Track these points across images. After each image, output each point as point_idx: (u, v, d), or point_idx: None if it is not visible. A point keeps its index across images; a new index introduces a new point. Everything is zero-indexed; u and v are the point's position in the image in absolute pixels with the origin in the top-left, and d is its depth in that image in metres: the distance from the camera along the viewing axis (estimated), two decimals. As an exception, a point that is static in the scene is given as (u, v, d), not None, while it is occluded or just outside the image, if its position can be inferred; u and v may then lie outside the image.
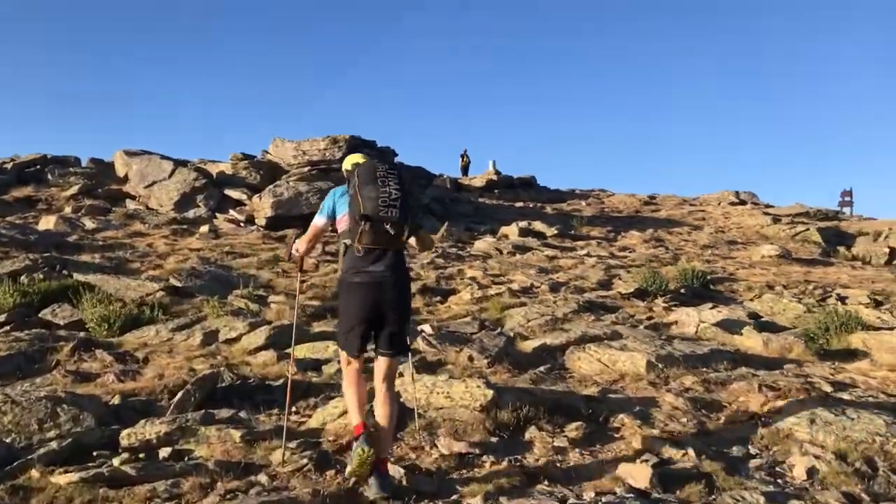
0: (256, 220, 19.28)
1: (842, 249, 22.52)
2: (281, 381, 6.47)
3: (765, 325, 9.46)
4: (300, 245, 4.63)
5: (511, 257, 16.51)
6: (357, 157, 4.54)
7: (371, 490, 4.03)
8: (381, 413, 4.20)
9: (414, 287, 11.28)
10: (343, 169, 4.62)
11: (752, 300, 12.59)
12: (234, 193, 20.81)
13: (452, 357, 7.07)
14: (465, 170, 35.19)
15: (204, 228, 17.29)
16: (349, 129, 21.71)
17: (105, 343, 7.94)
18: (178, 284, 10.88)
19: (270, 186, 19.63)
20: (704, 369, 6.52)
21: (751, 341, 7.91)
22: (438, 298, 11.00)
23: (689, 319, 9.22)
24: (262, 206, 19.08)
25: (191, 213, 19.77)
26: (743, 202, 33.33)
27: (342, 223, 4.33)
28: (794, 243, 22.53)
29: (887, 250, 21.65)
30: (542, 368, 6.71)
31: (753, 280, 14.52)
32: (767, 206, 30.01)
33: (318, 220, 4.46)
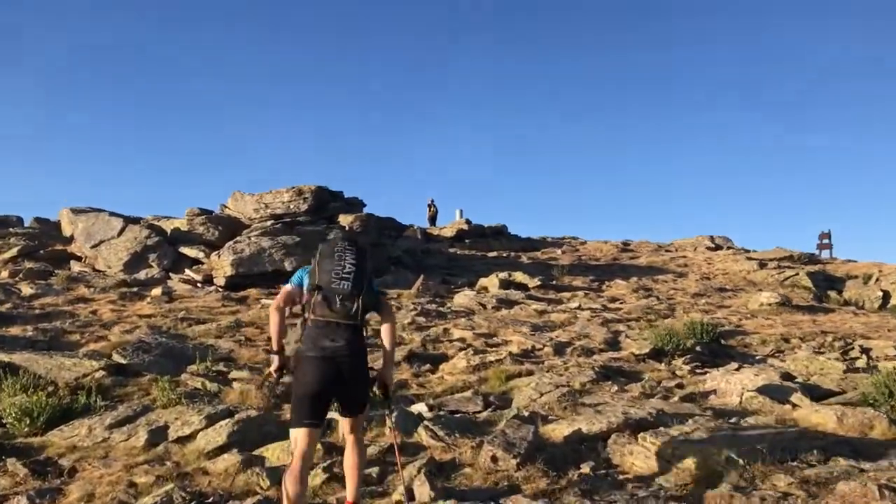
0: (215, 280, 17.64)
1: (833, 294, 21.64)
2: (250, 501, 4.92)
3: (810, 390, 8.16)
4: (271, 331, 4.54)
5: (497, 312, 15.12)
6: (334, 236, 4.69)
7: None
8: (350, 460, 4.39)
9: (399, 353, 9.85)
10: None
11: (772, 356, 11.40)
12: (190, 251, 19.17)
13: (468, 455, 5.60)
14: (432, 219, 33.94)
15: (156, 291, 15.61)
16: (315, 180, 20.36)
17: (22, 447, 6.29)
18: (123, 361, 9.26)
19: (230, 243, 18.06)
20: (795, 463, 5.13)
21: (819, 416, 6.57)
22: (428, 367, 9.53)
23: (730, 387, 7.88)
24: (222, 264, 17.47)
25: (142, 275, 18.06)
26: (719, 247, 32.60)
27: (304, 296, 4.40)
28: (783, 289, 21.57)
29: (881, 294, 20.82)
30: (586, 469, 5.26)
31: (765, 332, 13.33)
32: (747, 251, 29.21)
33: (287, 286, 4.50)
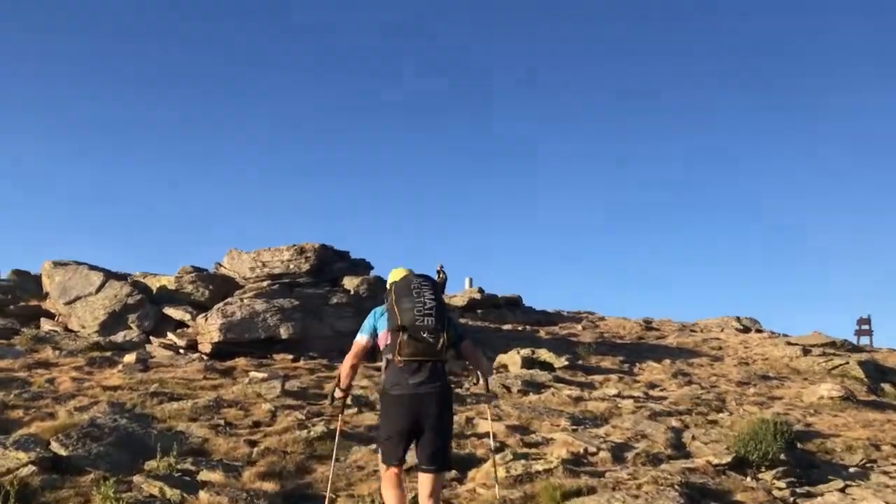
0: (200, 347, 15.59)
1: (887, 387, 19.44)
2: None
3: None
4: (342, 372, 4.70)
5: (524, 398, 12.99)
6: (398, 272, 4.59)
7: None
8: None
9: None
10: (388, 285, 4.52)
11: (864, 466, 9.29)
12: (175, 313, 17.13)
13: None
14: (441, 287, 31.94)
15: (129, 357, 13.53)
16: (319, 239, 18.48)
17: None
18: (62, 452, 7.17)
19: (219, 305, 16.05)
20: None
21: None
22: (454, 474, 7.41)
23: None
24: (208, 328, 15.43)
25: (119, 337, 16.02)
26: (747, 329, 30.54)
27: (383, 339, 4.40)
28: (831, 379, 19.39)
29: (942, 388, 18.63)
30: None
31: (846, 435, 11.19)
32: (781, 335, 27.09)
33: (360, 339, 4.53)
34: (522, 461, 7.48)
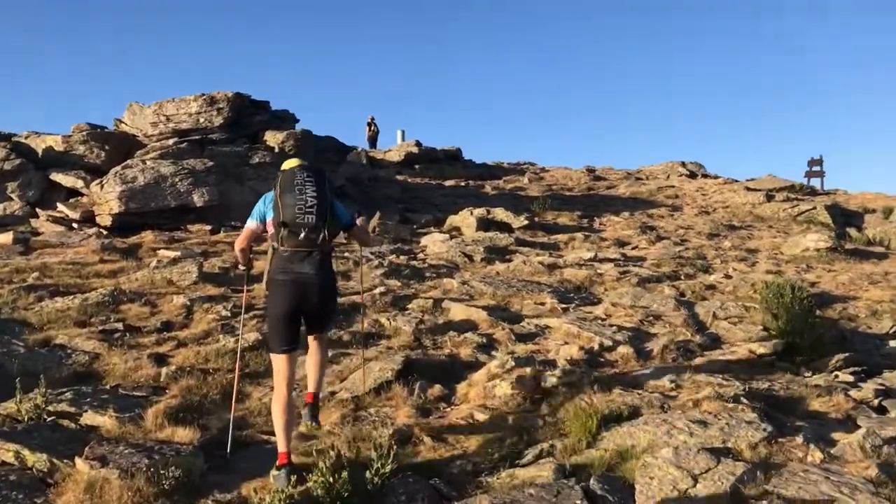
0: (98, 220, 13.04)
1: (853, 232, 18.50)
2: None
3: None
4: (237, 255, 4.79)
5: (490, 266, 11.17)
6: (292, 162, 4.55)
7: (303, 420, 4.52)
8: (312, 360, 4.63)
9: (388, 364, 5.81)
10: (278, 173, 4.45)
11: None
12: (65, 179, 14.34)
13: None
14: (373, 140, 29.35)
15: (6, 237, 10.99)
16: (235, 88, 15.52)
17: None
18: None
19: (117, 168, 13.36)
20: None
21: None
22: (439, 391, 5.53)
23: None
24: (105, 197, 12.84)
25: (-5, 211, 13.28)
26: (693, 174, 29.27)
27: (270, 227, 4.43)
28: (796, 225, 18.33)
29: (911, 231, 17.74)
30: None
31: (866, 296, 9.83)
32: (737, 180, 25.88)
33: (251, 223, 4.57)
34: (528, 368, 5.61)
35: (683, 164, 31.03)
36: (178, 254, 10.55)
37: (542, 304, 8.51)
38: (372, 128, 29.53)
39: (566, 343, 6.59)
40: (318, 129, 17.59)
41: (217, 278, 9.24)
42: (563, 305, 8.36)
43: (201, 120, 15.05)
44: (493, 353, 6.43)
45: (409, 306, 8.22)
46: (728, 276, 10.98)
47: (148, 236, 11.87)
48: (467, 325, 7.33)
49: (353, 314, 7.47)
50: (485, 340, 6.68)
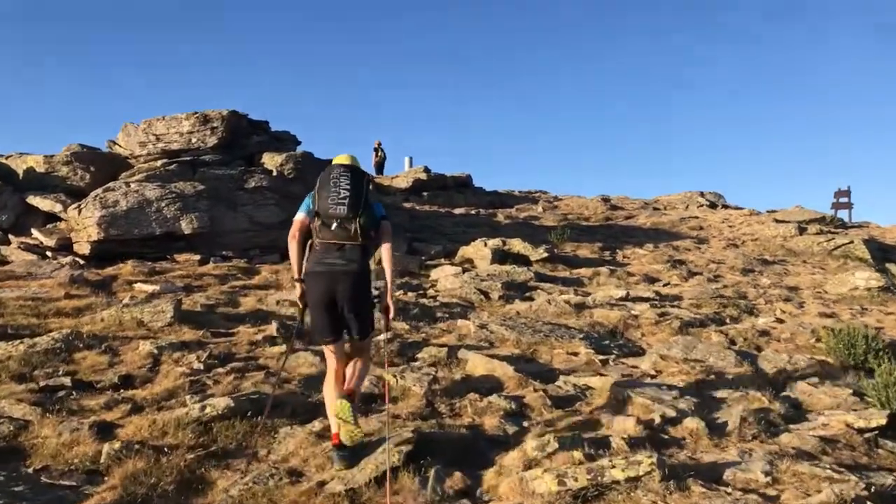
0: (76, 248, 11.86)
1: (893, 268, 17.17)
2: None
3: None
4: (291, 259, 4.57)
5: (509, 306, 9.91)
6: (338, 159, 4.65)
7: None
8: (352, 364, 4.62)
9: (392, 446, 4.51)
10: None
11: None
12: (43, 203, 13.15)
13: None
14: (379, 166, 28.20)
15: (-36, 267, 9.78)
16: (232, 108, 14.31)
17: None
18: None
19: (98, 191, 12.18)
20: None
21: None
22: (460, 482, 4.22)
23: None
24: (84, 222, 11.66)
25: (-37, 237, 12.09)
26: (713, 205, 28.12)
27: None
28: (832, 260, 17.03)
29: (956, 267, 16.43)
30: None
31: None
32: (769, 211, 24.60)
33: (299, 216, 4.57)
34: (576, 451, 4.31)
35: (702, 194, 29.86)
36: (156, 288, 9.32)
37: (576, 354, 7.23)
38: (378, 153, 28.41)
39: (615, 412, 5.28)
40: (321, 152, 16.38)
41: (197, 318, 7.98)
42: (601, 356, 7.06)
43: (193, 140, 13.89)
44: (525, 423, 5.14)
45: (420, 356, 6.95)
46: (780, 321, 9.69)
47: (126, 267, 10.64)
48: (490, 384, 6.04)
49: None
50: (513, 406, 5.38)
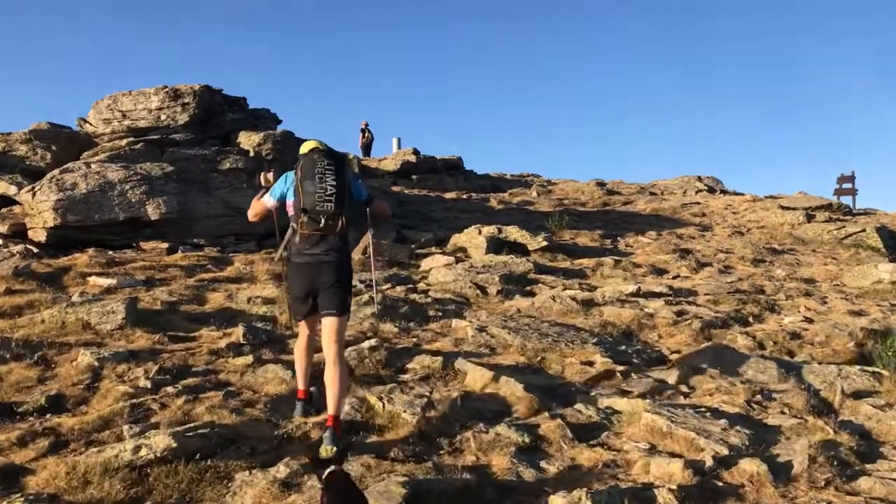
0: (31, 235, 10.77)
1: (907, 257, 16.31)
2: None
3: None
4: (249, 215, 4.81)
5: (508, 302, 8.94)
6: (311, 144, 4.59)
7: (323, 444, 4.06)
8: (330, 374, 4.31)
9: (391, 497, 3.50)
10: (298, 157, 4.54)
11: None
12: (-2, 185, 12.03)
13: None
14: (366, 148, 27.09)
15: None
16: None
17: None
18: None
19: (55, 172, 11.06)
20: None
21: None
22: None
23: None
24: (38, 207, 10.56)
25: None
26: (711, 189, 27.25)
27: (290, 208, 4.56)
28: (842, 249, 16.17)
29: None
30: None
31: None
32: (768, 196, 23.67)
33: (268, 200, 4.69)
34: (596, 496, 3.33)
35: (700, 179, 28.99)
36: (112, 282, 8.28)
37: (590, 363, 6.24)
38: (366, 134, 27.29)
39: (653, 448, 4.31)
40: (304, 132, 15.29)
41: (154, 319, 6.94)
42: (620, 367, 6.08)
43: (163, 117, 12.76)
44: (543, 462, 4.16)
45: (410, 366, 5.96)
46: (808, 320, 8.75)
47: (82, 258, 9.55)
48: (495, 405, 5.05)
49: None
50: (527, 439, 4.39)
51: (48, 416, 4.60)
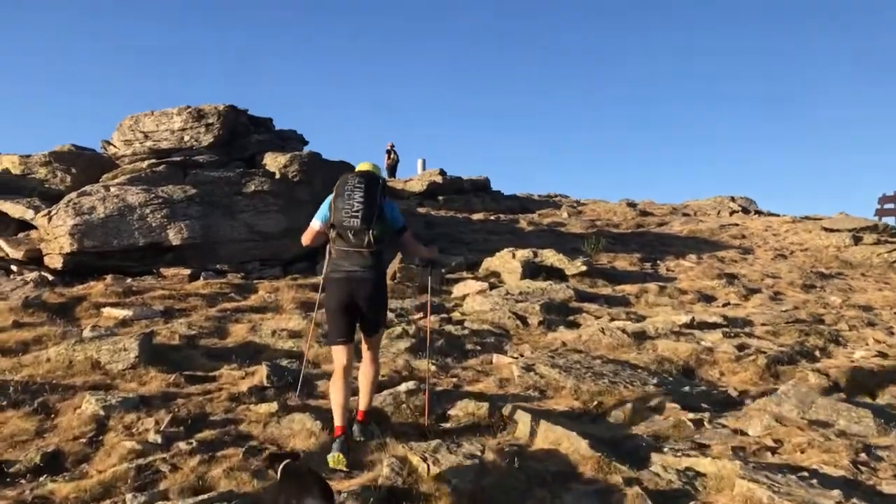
0: (47, 261, 10.29)
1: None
2: None
3: None
4: (303, 242, 4.97)
5: (551, 335, 8.26)
6: (361, 167, 4.94)
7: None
8: (364, 371, 4.70)
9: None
10: None
11: None
12: (13, 209, 11.60)
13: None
14: (392, 169, 26.62)
15: None
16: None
17: None
18: None
19: (72, 195, 10.60)
20: None
21: None
22: None
23: None
24: (54, 231, 10.09)
25: (-83, 248, 10.52)
26: (746, 210, 26.37)
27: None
28: (894, 273, 15.32)
29: None
30: None
31: None
32: (804, 217, 22.78)
33: (315, 223, 4.85)
34: None
35: (733, 199, 28.10)
36: (128, 313, 7.73)
37: (656, 409, 5.55)
38: (391, 155, 26.83)
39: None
40: (330, 153, 14.81)
41: (170, 356, 6.37)
42: (691, 414, 5.38)
43: (186, 138, 12.30)
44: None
45: (453, 413, 5.32)
46: (882, 354, 7.98)
47: (97, 287, 9.01)
48: (556, 465, 4.37)
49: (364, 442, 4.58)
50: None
51: (42, 478, 4.01)
